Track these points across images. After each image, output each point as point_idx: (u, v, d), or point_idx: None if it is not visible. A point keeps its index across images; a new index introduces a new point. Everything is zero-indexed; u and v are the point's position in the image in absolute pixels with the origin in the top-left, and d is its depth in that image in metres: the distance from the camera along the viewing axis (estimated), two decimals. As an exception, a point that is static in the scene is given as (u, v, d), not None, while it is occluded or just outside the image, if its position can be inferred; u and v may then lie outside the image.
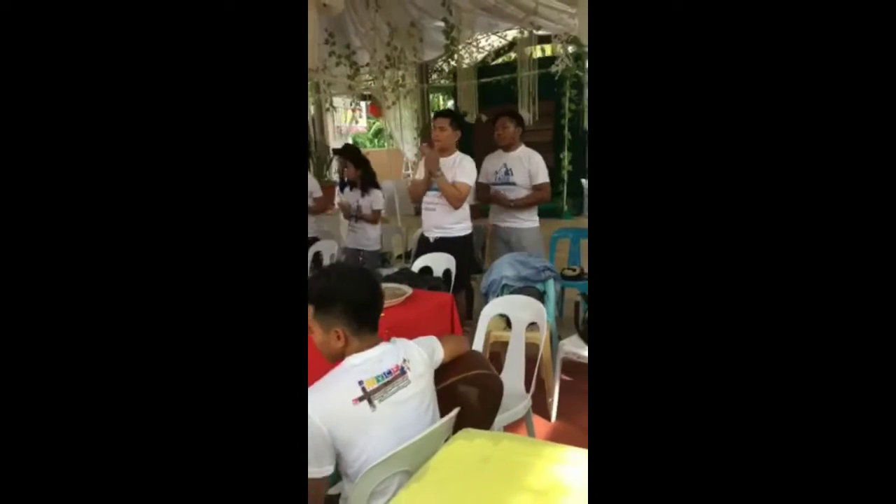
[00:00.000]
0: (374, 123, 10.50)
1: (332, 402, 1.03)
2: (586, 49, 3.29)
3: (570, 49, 3.57)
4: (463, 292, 2.77)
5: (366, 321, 1.13)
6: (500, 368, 1.89)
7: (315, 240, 3.47)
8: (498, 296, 2.41)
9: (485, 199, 3.08)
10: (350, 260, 3.39)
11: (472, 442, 1.04)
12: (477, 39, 5.05)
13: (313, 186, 3.70)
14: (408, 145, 5.70)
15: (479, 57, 5.74)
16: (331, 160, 6.10)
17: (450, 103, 6.93)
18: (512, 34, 5.15)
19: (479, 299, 2.89)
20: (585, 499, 0.84)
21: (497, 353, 2.29)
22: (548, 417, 2.22)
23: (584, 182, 4.37)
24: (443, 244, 2.71)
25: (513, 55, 5.20)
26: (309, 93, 5.44)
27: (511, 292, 2.43)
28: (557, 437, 2.11)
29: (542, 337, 1.96)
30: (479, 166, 2.98)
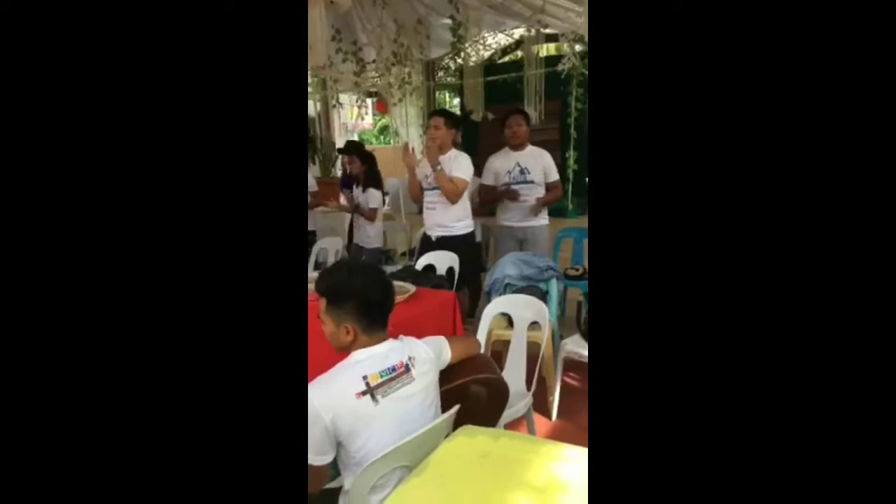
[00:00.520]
0: (379, 120, 10.50)
1: (335, 394, 1.05)
2: (593, 48, 3.27)
3: (578, 48, 3.56)
4: (465, 290, 2.78)
5: (376, 319, 1.15)
6: (501, 367, 1.90)
7: (313, 234, 3.49)
8: (500, 295, 2.41)
9: (490, 201, 3.06)
10: (355, 257, 3.41)
11: (472, 438, 1.05)
12: (484, 37, 5.02)
13: (309, 181, 3.72)
14: (413, 141, 5.70)
15: (486, 55, 5.73)
16: (336, 157, 6.11)
17: (456, 101, 6.92)
18: (519, 32, 5.13)
19: (482, 298, 2.89)
20: (583, 496, 0.84)
21: (499, 351, 2.30)
22: (549, 416, 2.22)
23: (590, 181, 4.35)
24: (445, 242, 2.73)
25: (519, 53, 5.17)
26: (315, 89, 5.44)
27: (514, 291, 2.43)
28: (558, 435, 2.12)
29: (544, 336, 1.96)
30: (482, 167, 2.99)
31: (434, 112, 2.85)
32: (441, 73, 6.34)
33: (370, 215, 3.39)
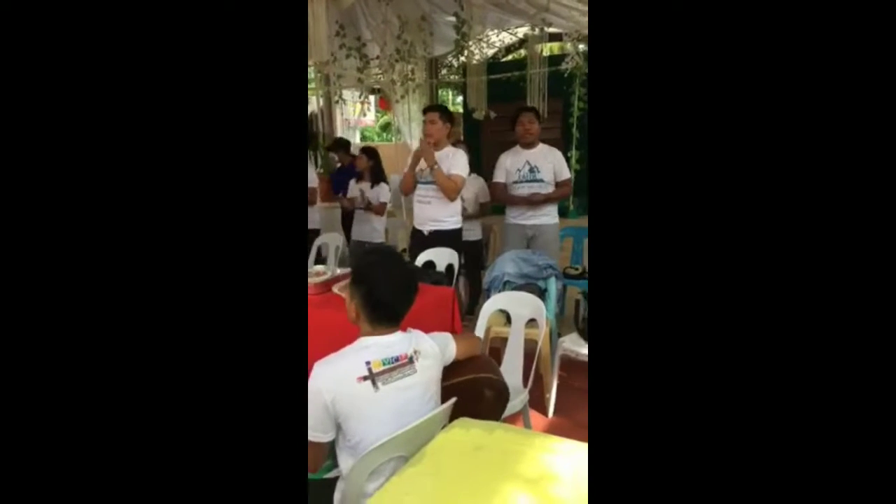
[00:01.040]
0: (381, 117, 10.50)
1: (337, 376, 1.08)
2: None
3: (581, 47, 3.56)
4: (461, 284, 2.78)
5: (382, 314, 1.15)
6: (499, 363, 1.91)
7: (316, 231, 3.49)
8: (499, 292, 2.42)
9: (501, 199, 3.03)
10: (355, 252, 3.42)
11: (467, 431, 1.06)
12: (487, 35, 5.02)
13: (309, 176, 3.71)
14: (415, 140, 5.70)
15: (490, 53, 5.72)
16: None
17: (459, 99, 6.92)
18: (523, 31, 5.13)
19: (482, 295, 2.89)
20: (575, 487, 0.86)
21: (497, 348, 2.31)
22: (545, 413, 2.23)
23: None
24: (437, 237, 2.71)
25: (523, 52, 5.17)
26: (318, 85, 5.44)
27: (513, 289, 2.44)
28: (554, 432, 2.12)
29: (541, 333, 1.97)
30: (485, 165, 2.98)
31: (428, 107, 2.82)
32: (444, 71, 6.34)
33: (380, 210, 3.38)
